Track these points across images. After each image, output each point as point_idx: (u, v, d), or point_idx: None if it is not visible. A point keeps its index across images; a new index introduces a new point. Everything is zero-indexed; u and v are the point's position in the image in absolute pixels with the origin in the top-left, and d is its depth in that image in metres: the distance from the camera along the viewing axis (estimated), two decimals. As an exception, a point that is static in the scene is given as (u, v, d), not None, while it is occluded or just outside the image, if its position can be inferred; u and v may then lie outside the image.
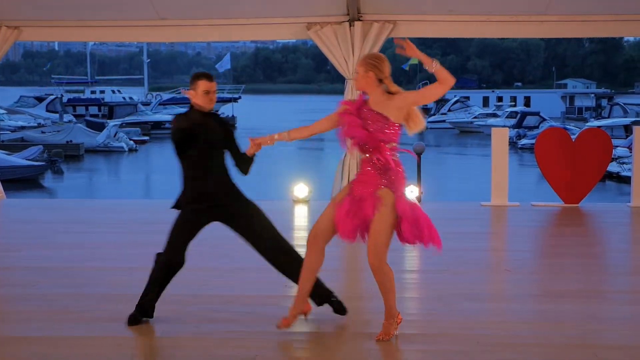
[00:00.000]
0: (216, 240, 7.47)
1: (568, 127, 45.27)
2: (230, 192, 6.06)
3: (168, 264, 5.97)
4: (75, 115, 60.00)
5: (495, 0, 11.98)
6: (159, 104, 68.58)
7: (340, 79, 12.56)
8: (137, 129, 52.83)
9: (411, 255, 8.44)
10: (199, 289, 7.08)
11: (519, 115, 56.36)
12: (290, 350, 5.65)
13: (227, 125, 6.18)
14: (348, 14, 11.99)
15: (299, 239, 9.15)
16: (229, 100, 68.85)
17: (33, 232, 10.12)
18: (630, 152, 20.73)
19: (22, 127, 52.30)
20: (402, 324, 5.73)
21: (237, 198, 6.08)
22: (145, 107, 65.21)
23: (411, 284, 7.60)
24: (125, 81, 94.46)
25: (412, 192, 11.72)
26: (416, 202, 5.67)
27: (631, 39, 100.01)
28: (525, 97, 75.40)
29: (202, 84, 5.96)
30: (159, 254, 6.05)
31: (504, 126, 34.64)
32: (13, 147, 40.87)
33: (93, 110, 65.70)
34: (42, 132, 48.22)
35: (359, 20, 11.97)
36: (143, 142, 50.21)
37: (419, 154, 13.24)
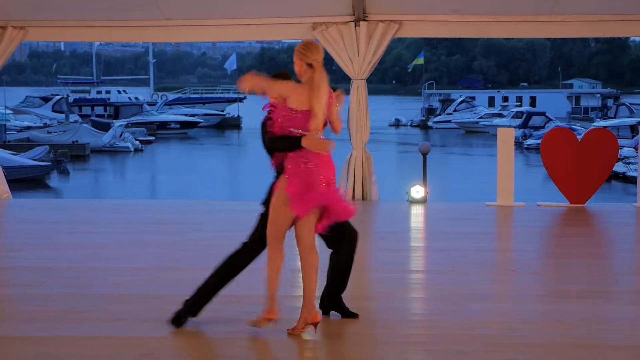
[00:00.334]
0: (220, 240, 7.45)
1: (574, 127, 45.12)
2: None
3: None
4: (81, 116, 60.05)
5: (501, 0, 11.97)
6: (165, 104, 68.63)
7: (346, 79, 12.58)
8: (143, 129, 52.84)
9: (416, 256, 8.41)
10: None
11: (524, 116, 56.23)
12: (294, 350, 5.64)
13: None
14: (353, 14, 11.99)
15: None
16: (235, 100, 68.83)
17: (38, 232, 10.13)
18: (637, 152, 20.69)
19: (28, 127, 52.28)
20: (407, 324, 5.70)
21: None
22: (151, 107, 65.18)
23: (416, 284, 7.59)
24: (131, 81, 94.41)
25: (418, 192, 11.66)
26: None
27: (637, 39, 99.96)
28: (531, 97, 75.17)
29: None
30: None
31: (510, 126, 34.53)
32: (19, 147, 40.87)
33: (99, 110, 65.71)
34: (48, 132, 48.20)
35: (365, 20, 11.98)
36: (149, 142, 50.22)
37: (424, 154, 13.17)
